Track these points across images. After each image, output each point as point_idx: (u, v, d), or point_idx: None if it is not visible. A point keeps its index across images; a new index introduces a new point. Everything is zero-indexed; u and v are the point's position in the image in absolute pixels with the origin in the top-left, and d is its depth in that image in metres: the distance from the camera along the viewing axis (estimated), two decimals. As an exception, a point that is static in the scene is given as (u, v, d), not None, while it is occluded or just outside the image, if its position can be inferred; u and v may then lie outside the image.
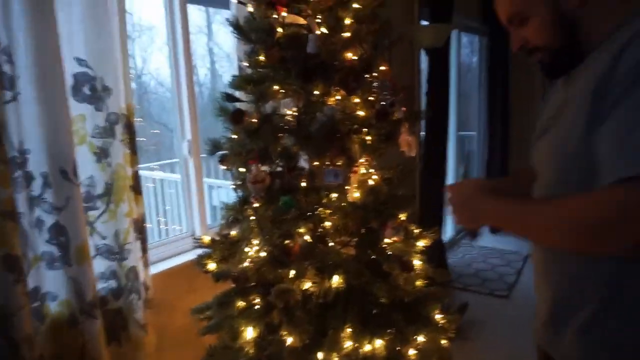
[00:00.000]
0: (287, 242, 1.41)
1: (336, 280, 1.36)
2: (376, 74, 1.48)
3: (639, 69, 0.75)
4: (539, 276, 1.04)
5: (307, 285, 1.40)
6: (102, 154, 1.72)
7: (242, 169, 1.57)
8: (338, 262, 1.39)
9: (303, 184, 1.47)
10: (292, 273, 1.39)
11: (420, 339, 1.59)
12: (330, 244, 1.47)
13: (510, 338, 2.94)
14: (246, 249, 1.50)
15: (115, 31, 1.69)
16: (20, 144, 1.53)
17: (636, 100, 0.74)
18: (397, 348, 1.47)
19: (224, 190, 4.08)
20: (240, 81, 1.57)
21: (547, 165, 0.96)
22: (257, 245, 1.47)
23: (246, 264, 1.47)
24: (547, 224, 0.81)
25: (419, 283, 1.62)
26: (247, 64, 1.59)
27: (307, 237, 1.45)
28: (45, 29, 1.47)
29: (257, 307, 1.54)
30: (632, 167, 0.70)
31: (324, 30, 1.40)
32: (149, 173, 3.66)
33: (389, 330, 1.46)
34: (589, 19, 0.89)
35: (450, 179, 4.45)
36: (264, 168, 1.52)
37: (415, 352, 1.51)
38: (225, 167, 1.66)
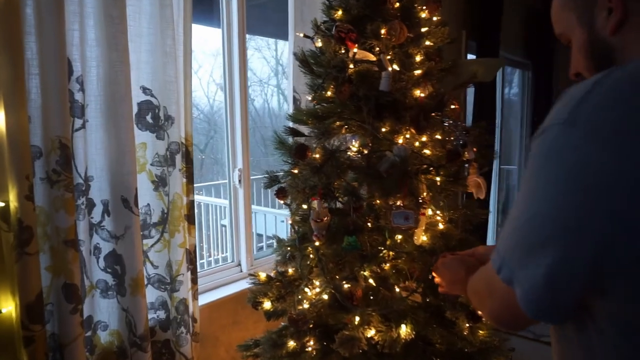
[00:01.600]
0: (350, 285, 1.35)
1: (404, 330, 1.28)
2: (446, 113, 1.42)
3: (542, 135, 0.65)
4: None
5: (371, 333, 1.33)
6: (160, 183, 1.71)
7: (303, 205, 1.52)
8: (405, 311, 1.31)
9: (368, 224, 1.41)
10: (357, 319, 1.32)
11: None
12: (396, 289, 1.40)
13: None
14: (306, 290, 1.44)
15: (180, 62, 1.71)
16: (86, 171, 1.53)
17: (526, 175, 0.68)
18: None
19: (260, 215, 4.06)
20: (303, 115, 1.54)
21: None
22: (318, 286, 1.40)
23: (305, 305, 1.41)
24: (469, 296, 0.88)
25: (482, 332, 1.52)
26: (311, 99, 1.56)
27: (371, 281, 1.38)
28: (118, 59, 1.49)
29: (312, 350, 1.47)
30: (494, 255, 0.71)
31: (395, 67, 1.37)
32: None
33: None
34: (626, 51, 0.75)
35: (491, 214, 4.31)
36: (326, 205, 1.47)
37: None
38: (282, 201, 1.63)
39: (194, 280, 1.84)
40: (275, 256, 1.70)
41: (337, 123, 1.47)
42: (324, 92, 1.49)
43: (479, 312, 0.93)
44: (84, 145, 1.51)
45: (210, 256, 3.88)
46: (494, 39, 3.57)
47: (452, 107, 1.44)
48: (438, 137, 1.41)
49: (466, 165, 1.52)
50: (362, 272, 1.37)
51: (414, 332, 1.28)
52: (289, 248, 1.59)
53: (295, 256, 1.58)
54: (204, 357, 2.03)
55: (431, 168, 1.40)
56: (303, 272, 1.48)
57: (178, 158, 1.71)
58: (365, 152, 1.38)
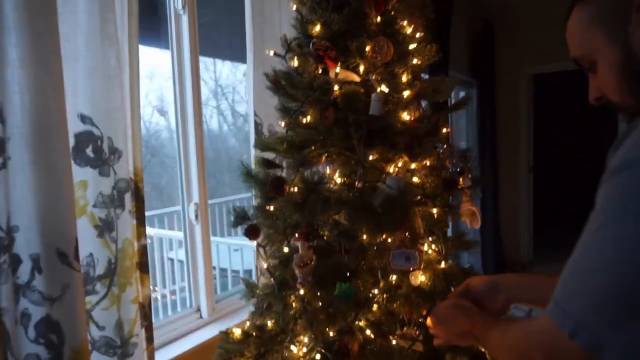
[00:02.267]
0: (344, 339, 1.16)
1: None
2: (440, 137, 1.30)
3: (613, 173, 0.60)
4: None
5: (372, 395, 1.14)
6: (105, 228, 1.43)
7: (285, 249, 1.32)
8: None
9: (362, 267, 1.23)
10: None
11: None
12: (393, 341, 1.22)
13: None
14: (292, 348, 1.23)
15: (126, 86, 1.46)
16: (8, 221, 1.23)
17: (591, 219, 0.61)
18: None
19: (223, 246, 3.74)
20: (277, 143, 1.35)
21: None
22: (307, 344, 1.20)
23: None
24: (496, 347, 0.81)
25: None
26: (285, 124, 1.38)
27: (368, 332, 1.20)
28: (49, 83, 1.23)
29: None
30: (553, 312, 0.63)
31: (384, 88, 1.22)
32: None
33: None
34: None
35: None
36: (309, 246, 1.28)
37: None
38: (254, 241, 1.42)
39: (150, 339, 1.56)
40: (248, 302, 1.47)
41: (316, 151, 1.30)
42: (301, 117, 1.32)
43: None
44: (4, 189, 1.22)
45: (156, 292, 3.50)
46: (444, 58, 3.59)
47: (444, 130, 1.32)
48: (430, 164, 1.28)
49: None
50: (357, 322, 1.19)
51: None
52: (267, 297, 1.37)
53: (273, 306, 1.36)
54: None
55: (426, 199, 1.26)
56: (286, 326, 1.27)
57: (127, 197, 1.45)
58: (358, 184, 1.21)
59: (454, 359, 1.31)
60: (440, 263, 1.23)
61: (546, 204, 5.96)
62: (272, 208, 1.35)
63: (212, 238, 3.96)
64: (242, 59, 2.85)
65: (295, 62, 1.28)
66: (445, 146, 1.29)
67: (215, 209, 3.91)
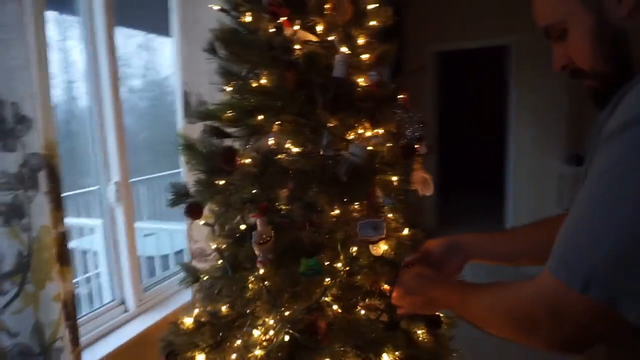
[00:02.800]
0: (312, 317, 1.10)
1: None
2: (398, 104, 1.26)
3: (617, 131, 0.60)
4: None
5: (346, 371, 1.10)
6: (13, 214, 1.19)
7: (241, 226, 1.20)
8: (381, 336, 1.12)
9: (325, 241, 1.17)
10: (329, 360, 1.07)
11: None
12: (360, 312, 1.19)
13: None
14: (255, 332, 1.13)
15: (31, 40, 1.20)
16: None
17: (594, 180, 0.62)
18: None
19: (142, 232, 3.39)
20: (224, 109, 1.22)
21: None
22: (272, 326, 1.11)
23: (258, 351, 1.11)
24: (483, 313, 0.81)
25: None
26: (234, 89, 1.25)
27: (336, 307, 1.15)
28: None
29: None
30: (559, 270, 0.64)
31: (344, 49, 1.14)
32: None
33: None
34: None
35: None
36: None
37: None
38: (198, 221, 1.28)
39: (75, 341, 1.35)
40: (185, 287, 1.34)
41: (269, 119, 1.19)
42: (250, 81, 1.19)
43: (507, 338, 0.78)
44: None
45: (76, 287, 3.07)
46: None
47: (400, 96, 1.28)
48: (390, 130, 1.24)
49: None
50: (324, 298, 1.13)
51: (398, 357, 1.10)
52: (219, 281, 1.25)
53: (224, 290, 1.25)
54: None
55: (385, 167, 1.22)
56: (243, 310, 1.17)
57: (41, 177, 1.21)
58: (321, 153, 1.13)
59: (409, 325, 1.32)
60: (402, 231, 1.22)
61: (449, 175, 6.42)
62: (222, 182, 1.22)
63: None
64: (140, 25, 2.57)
65: (247, 18, 1.14)
66: (403, 112, 1.26)
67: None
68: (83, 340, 1.64)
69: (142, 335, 1.74)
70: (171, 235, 3.26)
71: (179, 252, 3.05)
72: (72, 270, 1.34)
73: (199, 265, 1.78)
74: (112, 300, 1.86)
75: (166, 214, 3.72)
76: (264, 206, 1.14)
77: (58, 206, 1.28)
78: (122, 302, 1.87)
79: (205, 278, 1.30)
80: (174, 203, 1.37)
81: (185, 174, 1.79)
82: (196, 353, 1.18)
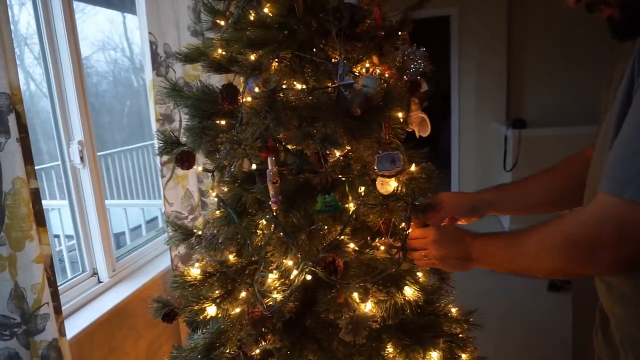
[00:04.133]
0: (332, 256, 1.05)
1: (411, 293, 1.07)
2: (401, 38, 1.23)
3: None
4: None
5: (367, 307, 1.07)
6: (-22, 166, 1.02)
7: (250, 166, 1.12)
8: (400, 272, 1.10)
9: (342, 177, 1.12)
10: (356, 295, 1.04)
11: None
12: (381, 248, 1.16)
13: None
14: (270, 276, 1.07)
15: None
16: None
17: None
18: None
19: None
20: (209, 47, 1.13)
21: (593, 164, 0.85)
22: (293, 266, 1.05)
23: (276, 295, 1.05)
24: (535, 253, 0.78)
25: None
26: (225, 25, 1.15)
27: (353, 245, 1.12)
28: None
29: (281, 350, 1.14)
30: (623, 189, 0.64)
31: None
32: None
33: (440, 338, 1.24)
34: None
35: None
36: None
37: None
38: (200, 170, 1.19)
39: (58, 309, 1.22)
40: (176, 244, 1.25)
41: (272, 53, 1.12)
42: (251, 10, 1.11)
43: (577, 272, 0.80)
44: None
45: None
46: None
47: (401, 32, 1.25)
48: (397, 65, 1.21)
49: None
50: (341, 236, 1.09)
51: (419, 293, 1.09)
52: (223, 228, 1.17)
53: (231, 238, 1.17)
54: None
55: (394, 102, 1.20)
56: (258, 254, 1.10)
57: (12, 122, 1.05)
58: (333, 84, 1.07)
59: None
60: (409, 166, 1.20)
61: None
62: (223, 123, 1.13)
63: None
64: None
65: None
66: (406, 47, 1.23)
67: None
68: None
69: (119, 307, 1.61)
70: (142, 209, 3.02)
71: (151, 221, 2.87)
72: (47, 232, 1.19)
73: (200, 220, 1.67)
74: (84, 272, 1.70)
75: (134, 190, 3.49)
76: (272, 144, 1.07)
77: (29, 160, 1.13)
78: (95, 273, 1.71)
79: (199, 233, 1.22)
80: (162, 152, 1.26)
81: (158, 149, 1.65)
82: (206, 305, 1.10)
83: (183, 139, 1.26)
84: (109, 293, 1.68)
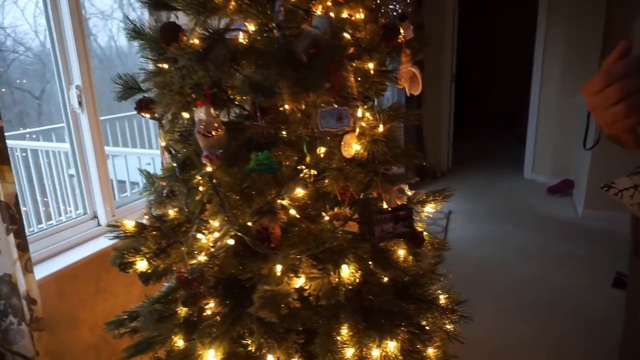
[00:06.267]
0: (265, 221, 0.94)
1: (347, 273, 0.94)
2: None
3: None
4: None
5: (299, 282, 0.96)
6: None
7: (185, 114, 1.03)
8: (343, 246, 0.97)
9: (282, 134, 0.99)
10: (279, 268, 0.93)
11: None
12: (324, 219, 1.03)
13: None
14: (199, 236, 1.00)
15: None
16: None
17: None
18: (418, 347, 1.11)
19: (120, 158, 3.29)
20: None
21: None
22: (218, 229, 0.97)
23: (201, 257, 0.97)
24: None
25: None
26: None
27: (293, 211, 1.00)
28: None
29: (215, 316, 1.06)
30: None
31: None
32: (16, 142, 2.74)
33: (402, 327, 1.08)
34: None
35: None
36: (217, 113, 1.02)
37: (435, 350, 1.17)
38: (148, 116, 1.12)
39: (22, 246, 1.25)
40: (147, 197, 1.20)
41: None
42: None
43: None
44: None
45: (60, 215, 2.98)
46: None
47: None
48: (370, 6, 1.02)
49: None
50: (278, 200, 0.97)
51: (359, 273, 0.95)
52: (167, 181, 1.10)
53: (176, 192, 1.10)
54: (57, 346, 1.48)
55: (361, 51, 1.02)
56: (192, 212, 1.02)
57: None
58: (276, 31, 0.92)
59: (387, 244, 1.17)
60: (377, 128, 1.03)
61: (465, 118, 6.09)
62: (166, 67, 1.04)
63: (122, 149, 3.47)
64: None
65: None
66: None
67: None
68: (53, 248, 1.57)
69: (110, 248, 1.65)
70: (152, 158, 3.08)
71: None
72: (11, 170, 1.21)
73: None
74: (84, 214, 1.76)
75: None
76: (209, 91, 0.96)
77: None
78: (95, 217, 1.77)
79: (158, 179, 1.16)
80: (122, 97, 1.21)
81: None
82: (137, 259, 1.05)
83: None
84: (105, 236, 1.73)
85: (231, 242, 0.95)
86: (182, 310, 1.16)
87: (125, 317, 1.27)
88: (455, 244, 3.47)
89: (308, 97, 0.96)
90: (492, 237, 3.53)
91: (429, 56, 4.75)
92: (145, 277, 1.18)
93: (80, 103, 1.62)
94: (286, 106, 1.01)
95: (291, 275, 0.94)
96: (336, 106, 0.91)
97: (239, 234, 0.94)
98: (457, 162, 5.35)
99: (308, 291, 0.94)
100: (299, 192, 1.04)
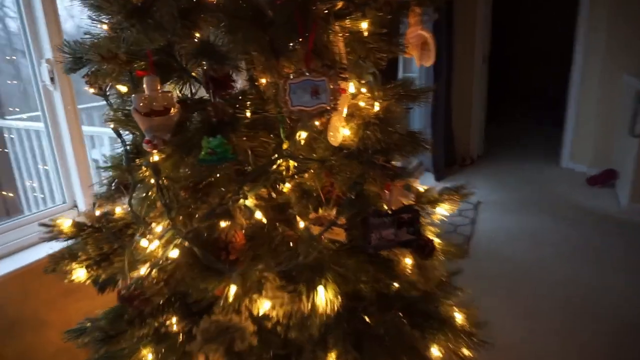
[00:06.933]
0: (223, 227, 0.73)
1: (322, 298, 0.72)
2: None
3: None
4: None
5: (264, 307, 0.74)
6: None
7: (122, 88, 0.83)
8: (322, 261, 0.75)
9: (246, 114, 0.77)
10: (233, 290, 0.72)
11: (436, 352, 1.04)
12: (301, 224, 0.81)
13: (476, 300, 2.55)
14: (143, 242, 0.80)
15: None
16: None
17: None
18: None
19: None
20: None
21: None
22: (165, 233, 0.77)
23: (145, 269, 0.77)
24: None
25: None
26: None
27: (260, 215, 0.78)
28: None
29: (175, 333, 0.87)
30: None
31: None
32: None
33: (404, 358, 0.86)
34: None
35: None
36: (170, 90, 0.80)
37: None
38: (93, 91, 0.91)
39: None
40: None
41: None
42: None
43: None
44: None
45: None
46: None
47: None
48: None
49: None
50: (242, 200, 0.76)
51: (339, 297, 0.73)
52: (117, 172, 0.90)
53: (127, 185, 0.90)
54: (19, 352, 1.34)
55: (352, 8, 0.78)
56: (135, 213, 0.82)
57: None
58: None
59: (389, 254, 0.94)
60: (372, 107, 0.79)
61: (498, 99, 5.68)
62: (105, 27, 0.83)
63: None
64: None
65: None
66: None
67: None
68: (16, 243, 1.41)
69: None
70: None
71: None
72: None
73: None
74: (63, 202, 1.60)
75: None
76: (151, 57, 0.74)
77: None
78: (75, 206, 1.61)
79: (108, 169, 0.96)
80: (70, 68, 1.00)
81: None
82: (75, 266, 0.86)
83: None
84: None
85: (173, 253, 0.74)
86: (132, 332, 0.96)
87: (88, 324, 1.10)
88: (483, 238, 3.20)
89: (278, 64, 0.73)
90: (524, 231, 3.23)
91: (460, 31, 4.39)
92: (99, 284, 1.00)
93: (52, 79, 1.44)
94: (262, 80, 0.78)
95: (255, 296, 0.73)
96: (310, 77, 0.68)
97: (187, 242, 0.73)
98: (488, 147, 5.00)
99: (273, 320, 0.73)
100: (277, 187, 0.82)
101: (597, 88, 4.05)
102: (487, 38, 4.62)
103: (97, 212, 0.89)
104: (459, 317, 1.11)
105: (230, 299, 0.71)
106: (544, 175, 4.27)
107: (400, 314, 0.99)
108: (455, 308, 1.13)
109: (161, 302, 0.81)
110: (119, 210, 0.91)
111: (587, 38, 4.03)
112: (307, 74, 0.68)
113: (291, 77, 0.68)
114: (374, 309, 0.93)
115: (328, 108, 0.68)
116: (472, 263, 2.86)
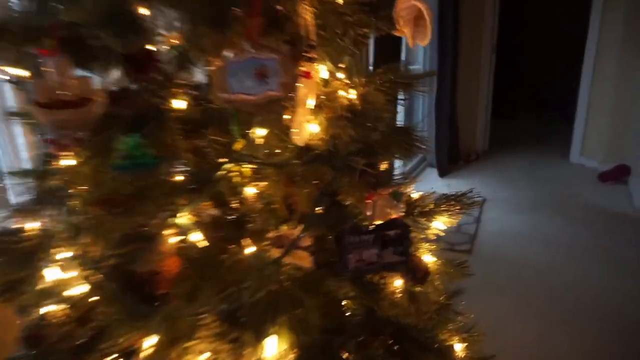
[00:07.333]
0: (146, 256, 0.56)
1: (274, 352, 0.54)
2: None
3: None
4: None
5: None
6: None
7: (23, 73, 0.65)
8: (279, 296, 0.57)
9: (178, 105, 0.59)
10: (154, 339, 0.54)
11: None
12: (251, 248, 0.63)
13: (484, 301, 2.36)
14: (46, 272, 0.63)
15: None
16: None
17: None
18: None
19: None
20: None
21: None
22: (66, 264, 0.59)
23: (53, 306, 0.60)
24: None
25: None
26: None
27: (200, 237, 0.60)
28: None
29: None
30: None
31: None
32: None
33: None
34: None
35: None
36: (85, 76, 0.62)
37: None
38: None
39: None
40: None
41: None
42: None
43: None
44: None
45: None
46: None
47: None
48: None
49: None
50: (172, 218, 0.58)
51: (296, 349, 0.55)
52: (35, 180, 0.73)
53: (44, 197, 0.73)
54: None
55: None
56: (47, 231, 0.65)
57: None
58: None
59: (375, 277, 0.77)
60: (341, 98, 0.61)
61: (504, 93, 5.47)
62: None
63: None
64: None
65: None
66: None
67: None
68: None
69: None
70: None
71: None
72: None
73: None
74: None
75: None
76: (56, 29, 0.56)
77: None
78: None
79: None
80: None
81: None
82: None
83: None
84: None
85: (80, 290, 0.57)
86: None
87: None
88: (489, 238, 3.02)
89: (224, 39, 0.55)
90: (532, 231, 3.05)
91: (466, 21, 4.18)
92: (20, 308, 0.83)
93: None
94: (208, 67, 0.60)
95: (186, 346, 0.55)
96: (255, 54, 0.50)
97: (99, 274, 0.55)
98: (494, 142, 4.80)
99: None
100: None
101: (611, 81, 3.85)
102: (495, 26, 4.41)
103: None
104: (459, 347, 0.94)
105: (150, 351, 0.54)
106: (552, 172, 4.08)
107: (390, 342, 0.82)
108: (455, 336, 0.96)
109: (77, 344, 0.64)
110: (30, 226, 0.73)
111: (601, 31, 3.82)
112: (252, 50, 0.49)
113: (229, 56, 0.50)
114: (352, 345, 0.76)
115: (278, 96, 0.50)
116: (478, 264, 2.69)
